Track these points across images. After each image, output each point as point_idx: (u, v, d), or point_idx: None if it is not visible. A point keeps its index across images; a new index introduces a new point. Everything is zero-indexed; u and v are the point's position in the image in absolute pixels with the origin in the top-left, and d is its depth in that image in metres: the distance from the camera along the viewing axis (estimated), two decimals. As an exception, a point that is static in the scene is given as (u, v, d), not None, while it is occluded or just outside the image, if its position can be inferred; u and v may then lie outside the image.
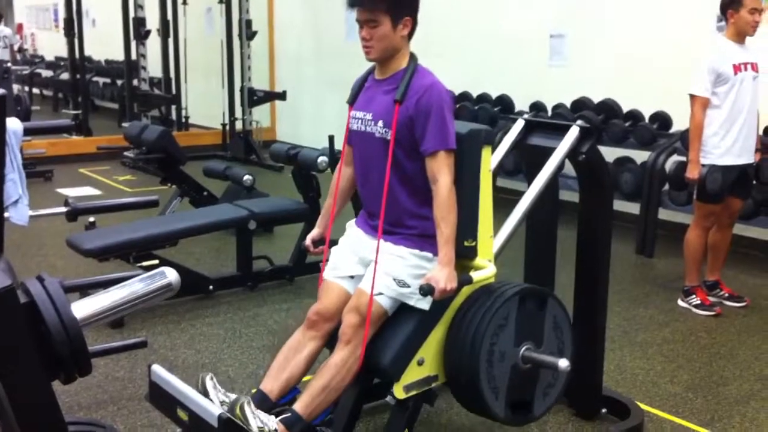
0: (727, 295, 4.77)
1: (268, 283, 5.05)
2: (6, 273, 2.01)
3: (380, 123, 2.70)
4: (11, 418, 1.19)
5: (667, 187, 5.80)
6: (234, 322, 4.44)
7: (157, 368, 2.72)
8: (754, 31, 4.41)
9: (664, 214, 5.90)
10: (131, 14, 9.74)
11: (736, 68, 4.37)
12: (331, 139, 4.94)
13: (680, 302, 4.72)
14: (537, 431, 3.24)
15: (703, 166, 4.44)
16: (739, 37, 4.44)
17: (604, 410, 3.31)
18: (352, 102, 2.85)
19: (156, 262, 4.49)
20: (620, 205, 5.94)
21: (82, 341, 1.23)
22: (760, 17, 4.41)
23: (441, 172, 2.62)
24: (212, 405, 2.48)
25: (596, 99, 6.53)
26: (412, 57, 2.74)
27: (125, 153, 7.73)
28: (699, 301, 4.63)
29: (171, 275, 1.36)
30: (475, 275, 2.72)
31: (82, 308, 1.27)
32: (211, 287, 4.83)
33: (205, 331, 4.32)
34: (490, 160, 2.81)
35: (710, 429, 3.30)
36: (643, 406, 3.40)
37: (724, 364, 3.93)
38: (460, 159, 2.69)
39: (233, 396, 2.66)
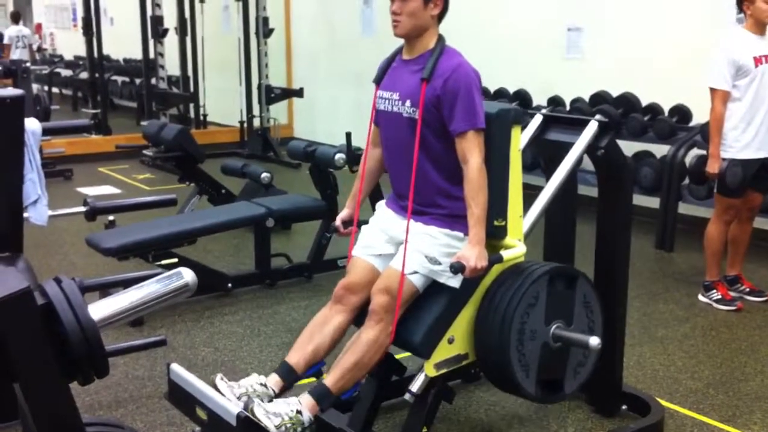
0: (748, 289, 4.72)
1: (287, 280, 5.06)
2: (25, 273, 2.03)
3: (408, 102, 2.70)
4: (29, 420, 1.19)
5: (687, 181, 5.75)
6: (253, 320, 4.45)
7: (176, 367, 2.74)
8: None
9: (683, 208, 5.85)
10: (149, 13, 9.80)
11: (757, 60, 4.31)
12: (348, 135, 4.94)
13: (701, 297, 4.68)
14: (557, 427, 3.22)
15: (723, 160, 4.40)
16: (759, 28, 4.38)
17: (624, 407, 3.29)
18: (378, 81, 2.85)
19: (175, 260, 4.51)
20: (639, 200, 5.89)
21: (100, 343, 1.24)
22: None
23: (471, 152, 2.62)
24: (230, 404, 2.49)
25: (615, 93, 6.48)
26: (440, 38, 2.75)
27: (144, 151, 7.78)
28: (720, 296, 4.59)
29: (188, 276, 1.36)
30: (505, 254, 2.73)
31: (99, 310, 1.28)
32: (229, 285, 4.84)
33: (224, 328, 4.33)
34: (520, 139, 2.82)
35: (731, 425, 3.27)
36: (663, 402, 3.37)
37: (745, 360, 3.90)
38: (489, 139, 2.70)
39: (246, 381, 2.66)
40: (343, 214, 3.09)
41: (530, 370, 2.72)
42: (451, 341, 2.75)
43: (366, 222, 2.98)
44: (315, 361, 2.78)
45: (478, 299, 2.77)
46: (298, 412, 2.56)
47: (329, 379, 2.68)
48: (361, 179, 3.02)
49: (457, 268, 2.58)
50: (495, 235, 2.76)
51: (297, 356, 2.77)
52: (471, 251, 2.59)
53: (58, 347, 1.22)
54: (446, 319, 2.74)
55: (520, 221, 2.85)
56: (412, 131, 2.68)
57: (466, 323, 2.77)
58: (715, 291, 4.61)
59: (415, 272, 2.69)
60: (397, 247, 2.78)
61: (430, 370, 2.72)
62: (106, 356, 1.25)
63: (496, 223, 2.73)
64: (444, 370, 2.76)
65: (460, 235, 2.72)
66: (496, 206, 2.72)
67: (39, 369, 1.17)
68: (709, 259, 4.65)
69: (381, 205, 2.97)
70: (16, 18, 14.68)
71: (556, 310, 2.76)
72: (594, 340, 2.68)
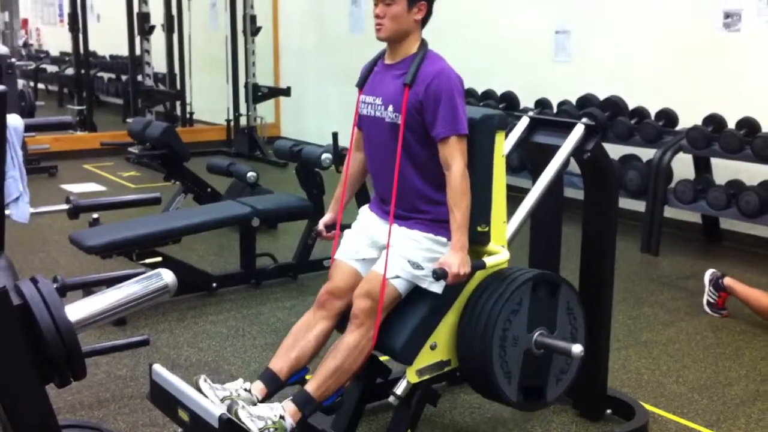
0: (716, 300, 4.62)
1: (272, 280, 5.03)
2: (6, 271, 2.00)
3: (390, 107, 2.69)
4: (5, 422, 1.17)
5: (672, 184, 5.77)
6: (237, 320, 4.43)
7: (158, 368, 2.71)
8: None
9: (669, 212, 5.86)
10: (135, 9, 9.73)
11: None
12: (335, 135, 4.92)
13: (707, 285, 4.55)
14: (541, 431, 3.21)
15: None
16: None
17: (608, 411, 3.28)
18: (361, 86, 2.83)
19: (159, 259, 4.48)
20: (625, 203, 5.90)
21: (76, 344, 1.21)
22: None
23: (453, 157, 2.62)
24: (213, 405, 2.47)
25: (602, 96, 6.49)
26: (423, 43, 2.74)
27: (129, 149, 7.73)
28: (714, 300, 4.54)
29: (168, 277, 1.33)
30: (488, 260, 2.73)
31: (76, 311, 1.25)
32: (214, 285, 4.81)
33: (208, 329, 4.30)
34: (504, 145, 2.81)
35: (715, 430, 3.27)
36: (648, 406, 3.37)
37: (729, 365, 3.90)
38: (473, 144, 2.69)
39: (231, 385, 2.64)
40: (325, 219, 3.07)
41: (512, 377, 2.71)
42: (433, 347, 2.73)
43: (349, 226, 2.96)
44: (298, 368, 2.77)
45: (460, 305, 2.75)
46: (281, 417, 2.55)
47: (311, 385, 2.66)
48: (344, 184, 3.00)
49: (439, 275, 2.56)
50: (478, 241, 2.74)
51: (280, 363, 2.75)
52: (454, 257, 2.58)
53: (35, 348, 1.19)
54: (428, 325, 2.72)
55: (503, 227, 2.83)
56: (395, 136, 2.67)
57: (448, 329, 2.75)
58: (719, 295, 4.53)
59: (398, 277, 2.68)
60: (380, 251, 2.76)
61: (412, 376, 2.70)
62: (83, 358, 1.22)
63: (479, 229, 2.72)
64: (426, 377, 2.74)
65: (444, 240, 2.70)
66: (480, 212, 2.71)
67: (14, 370, 1.14)
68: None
69: (364, 209, 2.96)
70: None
71: (539, 316, 2.75)
72: (576, 348, 2.66)
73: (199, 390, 2.58)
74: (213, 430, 2.38)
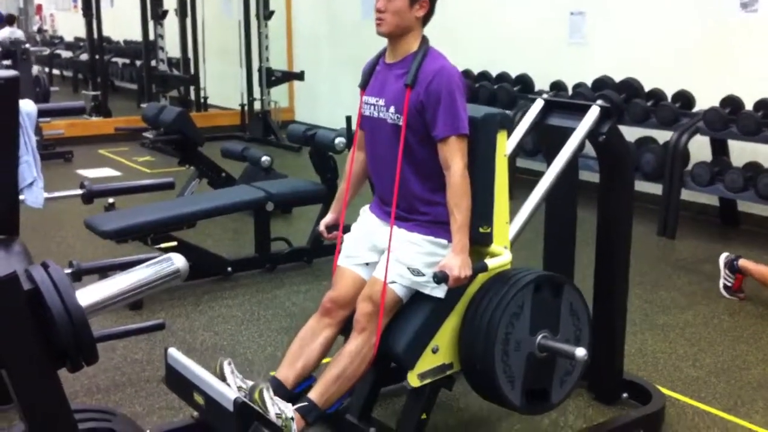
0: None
1: (287, 264, 5.04)
2: (20, 256, 2.00)
3: (392, 109, 2.66)
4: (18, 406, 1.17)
5: (689, 167, 5.71)
6: (252, 304, 4.43)
7: (173, 352, 2.71)
8: None
9: (686, 194, 5.81)
10: (149, -6, 9.73)
11: None
12: (348, 119, 4.89)
13: (723, 269, 4.53)
14: (557, 415, 3.20)
15: None
16: None
17: (624, 395, 3.27)
18: (363, 86, 2.81)
19: (174, 243, 4.48)
20: (642, 186, 5.86)
21: (87, 329, 1.21)
22: None
23: (453, 158, 2.58)
24: (228, 389, 2.47)
25: (617, 78, 6.43)
26: (424, 40, 2.69)
27: (144, 134, 7.75)
28: (731, 283, 4.51)
29: (179, 261, 1.32)
30: (490, 262, 2.68)
31: (87, 295, 1.24)
32: (229, 269, 4.82)
33: (223, 312, 4.31)
34: (506, 145, 2.76)
35: (733, 414, 3.25)
36: (664, 390, 3.35)
37: (746, 348, 3.87)
38: (475, 144, 2.65)
39: (250, 383, 2.64)
40: (327, 219, 3.02)
41: (515, 380, 2.67)
42: (435, 351, 2.69)
43: (350, 228, 2.93)
44: (304, 377, 2.75)
45: (462, 308, 2.72)
46: (292, 418, 2.54)
47: (314, 393, 2.65)
48: (347, 183, 2.96)
49: (440, 278, 2.52)
50: (480, 243, 2.70)
51: (286, 372, 2.74)
52: (455, 260, 2.54)
53: (46, 334, 1.19)
54: (430, 328, 2.68)
55: (506, 228, 2.79)
56: (397, 137, 2.64)
57: (450, 332, 2.72)
58: (734, 276, 4.51)
59: (397, 283, 2.65)
60: (381, 254, 2.73)
61: (414, 380, 2.67)
62: (94, 343, 1.22)
63: (481, 230, 2.68)
64: (428, 380, 2.70)
65: (444, 242, 2.66)
66: (482, 213, 2.67)
67: (25, 355, 1.14)
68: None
69: (365, 209, 2.93)
70: (10, 21, 14.50)
71: (542, 319, 2.70)
72: (580, 352, 2.61)
73: (222, 371, 2.58)
74: (228, 414, 2.39)
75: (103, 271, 3.45)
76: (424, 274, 2.64)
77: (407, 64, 2.65)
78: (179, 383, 2.66)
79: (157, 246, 4.40)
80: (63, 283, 1.19)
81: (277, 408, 2.49)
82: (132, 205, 4.75)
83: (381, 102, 2.70)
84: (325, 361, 2.80)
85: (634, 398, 3.26)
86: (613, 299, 3.13)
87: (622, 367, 3.28)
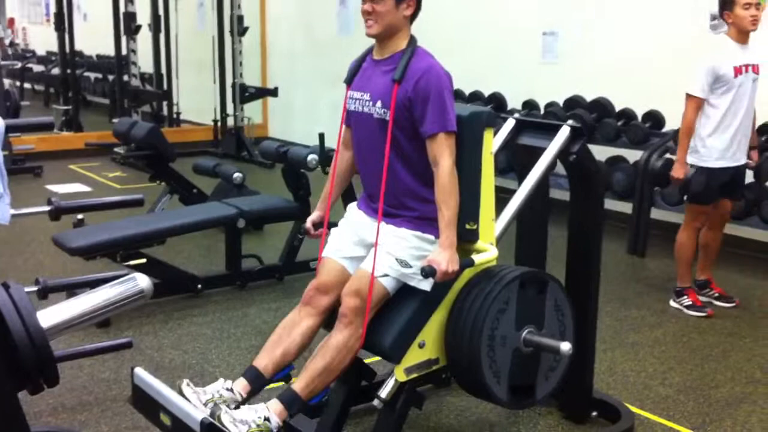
0: (717, 294, 4.74)
1: (258, 282, 5.01)
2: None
3: (379, 103, 2.67)
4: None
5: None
6: (222, 322, 4.39)
7: (139, 371, 2.68)
8: (755, 25, 4.28)
9: (656, 213, 5.86)
10: (122, 9, 9.67)
11: (737, 71, 4.29)
12: (321, 136, 4.90)
13: (672, 303, 4.69)
14: (526, 434, 3.20)
15: (692, 166, 4.41)
16: (741, 35, 4.35)
17: (594, 413, 3.27)
18: (349, 82, 2.81)
19: (143, 261, 4.44)
20: (612, 205, 5.91)
21: (49, 351, 1.18)
22: (758, 10, 4.26)
23: (442, 154, 2.60)
24: (195, 410, 2.44)
25: (589, 97, 6.49)
26: (412, 39, 2.73)
27: (115, 149, 7.69)
28: (690, 302, 4.59)
29: (143, 282, 1.31)
30: (476, 258, 2.71)
31: (49, 317, 1.22)
32: (199, 286, 4.78)
33: (192, 330, 4.27)
34: (492, 142, 2.79)
35: (701, 432, 3.27)
36: (633, 408, 3.37)
37: (715, 366, 3.90)
38: (461, 141, 2.68)
39: (212, 387, 2.62)
40: (313, 217, 3.05)
41: (501, 375, 2.70)
42: (421, 346, 2.71)
43: (336, 224, 2.94)
44: (283, 365, 2.74)
45: (449, 303, 2.74)
46: (266, 419, 2.52)
47: (298, 384, 2.64)
48: (332, 181, 2.99)
49: (428, 272, 2.55)
50: (467, 239, 2.73)
51: (265, 360, 2.73)
52: (442, 255, 2.57)
53: (6, 356, 1.16)
54: (417, 323, 2.71)
55: (492, 225, 2.82)
56: (383, 132, 2.66)
57: (437, 327, 2.74)
58: (686, 297, 4.62)
59: (386, 275, 2.66)
60: (368, 249, 2.75)
61: (400, 374, 2.69)
62: (56, 365, 1.20)
63: (467, 226, 2.71)
64: (414, 375, 2.72)
65: (431, 237, 2.69)
66: (468, 209, 2.70)
67: (-17, 378, 1.12)
68: (679, 266, 4.66)
69: (352, 206, 2.94)
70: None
71: (527, 315, 2.74)
72: (565, 346, 2.67)
73: (183, 394, 2.55)
74: (195, 435, 2.36)
75: (70, 289, 3.42)
76: (411, 266, 2.66)
77: (395, 60, 2.67)
78: (146, 403, 2.63)
79: (126, 263, 4.36)
80: (24, 304, 1.17)
81: (243, 425, 2.46)
82: (102, 221, 4.70)
83: (367, 96, 2.72)
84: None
85: (603, 417, 3.27)
86: (583, 317, 3.14)
87: (592, 385, 3.30)
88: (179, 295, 4.71)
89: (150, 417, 2.65)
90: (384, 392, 2.71)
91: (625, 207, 5.92)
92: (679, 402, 3.52)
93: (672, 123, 5.87)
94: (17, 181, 7.09)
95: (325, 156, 4.83)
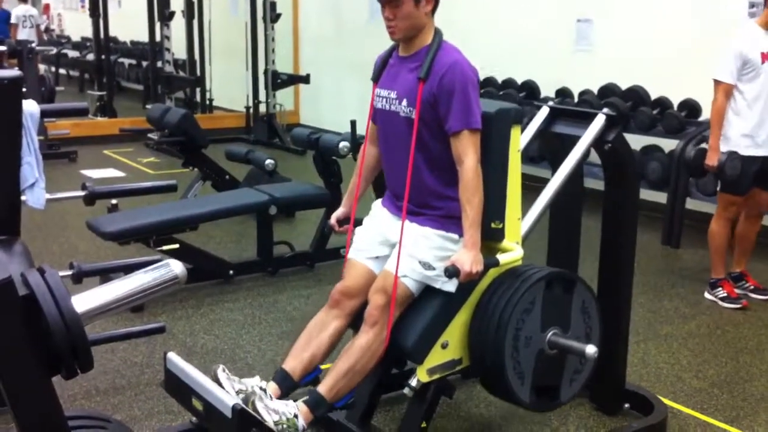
0: (752, 287, 4.67)
1: (289, 268, 5.03)
2: (21, 257, 1.99)
3: (404, 102, 2.65)
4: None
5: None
6: (254, 308, 4.42)
7: (172, 356, 2.70)
8: None
9: (691, 204, 5.78)
10: (156, -5, 9.73)
11: (764, 57, 4.25)
12: (353, 124, 4.87)
13: (706, 295, 4.63)
14: (558, 424, 3.18)
15: (723, 153, 4.35)
16: None
17: (626, 405, 3.24)
18: (376, 79, 2.79)
19: (176, 246, 4.48)
20: (647, 194, 5.83)
21: (83, 336, 1.19)
22: None
23: (466, 152, 2.56)
24: (227, 395, 2.46)
25: (624, 86, 6.41)
26: (437, 33, 2.68)
27: (148, 135, 7.74)
28: (725, 294, 4.53)
29: (177, 268, 1.31)
30: (501, 258, 2.67)
31: (83, 302, 1.23)
32: (231, 272, 4.81)
33: (224, 316, 4.29)
34: (519, 139, 2.76)
35: (735, 426, 3.22)
36: (666, 401, 3.33)
37: (750, 360, 3.85)
38: (488, 139, 2.64)
39: (249, 381, 2.62)
40: (338, 213, 3.03)
41: (525, 377, 2.66)
42: (444, 346, 2.69)
43: (361, 222, 2.92)
44: (312, 368, 2.74)
45: (473, 304, 2.71)
46: (296, 416, 2.53)
47: (323, 386, 2.63)
48: (359, 177, 2.96)
49: (451, 273, 2.52)
50: (492, 238, 2.69)
51: (293, 363, 2.72)
52: (466, 255, 2.53)
53: (41, 340, 1.17)
54: (440, 323, 2.68)
55: (518, 224, 2.78)
56: (409, 131, 2.63)
57: (460, 328, 2.71)
58: (720, 289, 4.56)
59: (408, 277, 2.64)
60: (392, 248, 2.72)
61: (423, 375, 2.67)
62: (90, 350, 1.20)
63: (493, 225, 2.67)
64: (437, 376, 2.70)
65: (455, 237, 2.66)
66: (494, 208, 2.66)
67: (18, 363, 1.12)
68: (713, 257, 4.60)
69: (377, 203, 2.92)
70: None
71: (553, 316, 2.70)
72: (590, 349, 2.61)
73: (217, 379, 2.56)
74: (226, 420, 2.37)
75: (104, 274, 3.44)
76: (435, 268, 2.63)
77: (421, 57, 2.64)
78: (178, 388, 2.65)
79: (159, 248, 4.39)
80: (59, 289, 1.18)
81: (274, 414, 2.47)
82: (135, 206, 4.74)
83: (393, 95, 2.69)
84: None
85: (636, 409, 3.23)
86: (616, 308, 3.11)
87: (625, 377, 3.26)
88: (211, 281, 4.74)
89: (182, 401, 2.67)
90: (414, 381, 2.70)
91: (660, 197, 5.85)
92: (713, 395, 3.48)
93: (708, 112, 5.77)
94: (52, 166, 7.15)
95: (356, 143, 4.80)
